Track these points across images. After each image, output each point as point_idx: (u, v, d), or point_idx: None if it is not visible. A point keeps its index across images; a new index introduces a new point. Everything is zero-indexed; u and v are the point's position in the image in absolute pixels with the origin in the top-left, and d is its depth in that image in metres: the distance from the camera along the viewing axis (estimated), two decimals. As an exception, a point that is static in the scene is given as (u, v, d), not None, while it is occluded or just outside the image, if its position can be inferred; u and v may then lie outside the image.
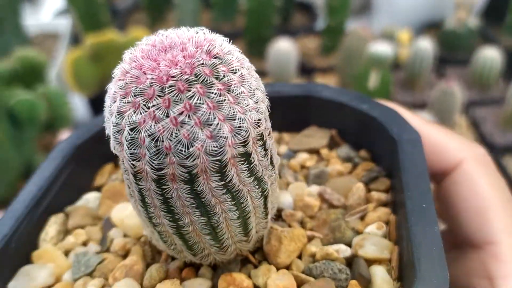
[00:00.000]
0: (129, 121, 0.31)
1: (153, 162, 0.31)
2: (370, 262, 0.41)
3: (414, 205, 0.39)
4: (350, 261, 0.42)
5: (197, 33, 0.34)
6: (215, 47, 0.33)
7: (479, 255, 0.44)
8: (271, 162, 0.38)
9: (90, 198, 0.51)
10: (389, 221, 0.44)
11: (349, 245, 0.42)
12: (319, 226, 0.45)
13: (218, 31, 0.35)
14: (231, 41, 0.35)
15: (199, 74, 0.31)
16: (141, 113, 0.31)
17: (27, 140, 1.16)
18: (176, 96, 0.31)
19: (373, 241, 0.42)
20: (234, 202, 0.35)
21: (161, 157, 0.31)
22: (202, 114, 0.31)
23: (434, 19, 1.89)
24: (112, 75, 0.33)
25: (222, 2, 1.75)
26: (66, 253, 0.46)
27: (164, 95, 0.31)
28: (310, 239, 0.44)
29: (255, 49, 1.62)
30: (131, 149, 0.31)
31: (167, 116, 0.30)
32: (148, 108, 0.31)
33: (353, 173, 0.50)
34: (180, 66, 0.31)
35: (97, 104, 1.51)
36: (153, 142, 0.31)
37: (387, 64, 1.36)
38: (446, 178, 0.49)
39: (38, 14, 2.17)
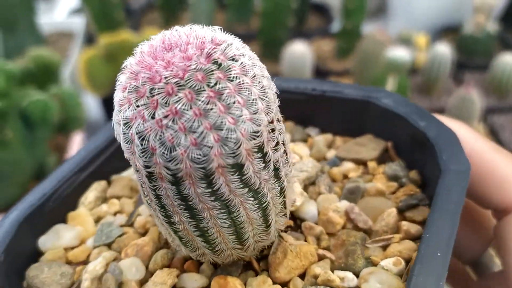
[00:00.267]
0: (123, 116, 0.31)
1: (143, 159, 0.31)
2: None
3: (427, 251, 0.34)
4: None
5: (207, 33, 0.33)
6: (217, 51, 0.31)
7: None
8: (276, 175, 0.35)
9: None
10: (412, 258, 0.39)
11: (357, 275, 0.39)
12: (336, 247, 0.42)
13: (232, 32, 0.34)
14: (245, 43, 0.34)
15: (190, 79, 0.30)
16: (132, 110, 0.31)
17: (40, 141, 1.15)
18: (163, 99, 0.30)
19: (381, 277, 0.38)
20: (224, 211, 0.34)
21: (148, 155, 0.31)
22: (186, 120, 0.30)
23: (452, 23, 1.86)
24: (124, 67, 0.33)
25: (237, 2, 1.70)
26: (98, 219, 0.48)
27: (153, 96, 0.30)
28: (320, 258, 0.41)
29: (270, 51, 1.58)
30: (125, 143, 0.32)
31: (153, 118, 0.30)
32: (138, 106, 0.31)
33: (393, 195, 0.46)
34: (173, 68, 0.30)
35: (110, 104, 1.49)
36: (140, 140, 0.31)
37: (404, 69, 1.34)
38: (506, 216, 0.43)
39: (52, 13, 2.18)
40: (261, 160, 0.33)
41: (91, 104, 1.72)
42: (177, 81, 0.30)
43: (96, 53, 1.48)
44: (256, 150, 0.32)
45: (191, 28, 0.33)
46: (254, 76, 0.32)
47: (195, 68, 0.30)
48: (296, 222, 0.45)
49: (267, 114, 0.33)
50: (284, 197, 0.38)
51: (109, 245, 0.45)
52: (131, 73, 0.31)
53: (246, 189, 0.33)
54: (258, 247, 0.39)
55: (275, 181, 0.35)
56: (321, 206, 0.45)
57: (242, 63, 0.32)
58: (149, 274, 0.41)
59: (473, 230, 0.50)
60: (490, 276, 0.50)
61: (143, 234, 0.45)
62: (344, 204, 0.44)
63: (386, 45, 1.43)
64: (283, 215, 0.39)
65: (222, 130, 0.30)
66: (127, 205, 0.49)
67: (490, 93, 1.53)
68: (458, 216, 0.36)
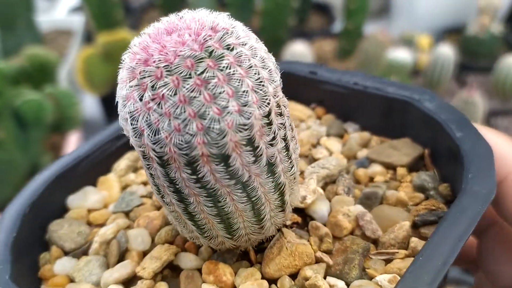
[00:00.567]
0: (121, 94, 0.32)
1: (134, 139, 0.32)
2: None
3: (412, 275, 0.31)
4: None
5: (210, 18, 0.33)
6: (213, 38, 0.31)
7: None
8: (271, 170, 0.34)
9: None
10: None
11: (349, 285, 0.37)
12: (338, 252, 0.40)
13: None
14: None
15: (179, 65, 0.30)
16: (127, 90, 0.32)
17: (33, 141, 1.13)
18: (152, 82, 0.30)
19: (368, 293, 0.35)
20: (210, 199, 0.34)
21: (138, 135, 0.32)
22: (170, 106, 0.30)
23: (456, 24, 1.82)
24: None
25: (238, 2, 1.63)
26: (125, 187, 0.50)
27: (144, 78, 0.31)
28: (318, 261, 0.39)
29: (270, 51, 1.56)
30: (121, 120, 0.33)
31: (141, 100, 0.31)
32: (131, 87, 0.31)
33: (415, 207, 0.42)
34: (166, 53, 0.31)
35: (109, 103, 1.44)
36: (131, 119, 0.31)
37: (406, 71, 1.34)
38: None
39: (54, 11, 2.12)
40: (251, 154, 0.32)
41: (90, 103, 1.69)
42: (167, 65, 0.30)
43: (94, 52, 1.46)
44: (244, 143, 0.32)
45: (197, 13, 0.33)
46: (250, 67, 0.31)
47: (186, 55, 0.30)
48: (306, 219, 0.43)
49: (260, 107, 0.32)
50: (282, 193, 0.37)
51: (127, 213, 0.47)
52: (132, 53, 0.32)
53: (233, 181, 0.33)
54: (253, 239, 0.38)
55: (268, 176, 0.34)
56: (333, 207, 0.43)
57: (238, 52, 0.31)
58: (154, 246, 0.43)
59: None
60: None
61: (159, 208, 0.47)
62: (357, 209, 0.42)
63: (387, 46, 1.43)
64: (280, 211, 0.38)
65: (205, 119, 0.30)
66: (154, 177, 0.51)
67: (494, 96, 1.52)
68: (461, 244, 0.32)
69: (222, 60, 0.30)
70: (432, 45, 1.67)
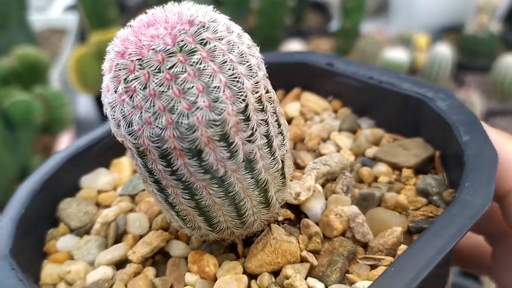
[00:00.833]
0: (104, 84, 0.33)
1: (114, 128, 0.33)
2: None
3: (381, 284, 0.30)
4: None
5: (188, 12, 0.32)
6: (187, 32, 0.31)
7: None
8: (250, 166, 0.34)
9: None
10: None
11: (328, 288, 0.36)
12: (325, 252, 0.39)
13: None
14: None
15: (151, 59, 0.31)
16: (106, 81, 0.32)
17: (22, 142, 1.11)
18: (125, 75, 0.31)
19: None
20: (187, 191, 0.34)
21: (116, 125, 0.32)
22: (141, 99, 0.30)
23: (454, 23, 1.81)
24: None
25: (234, 0, 1.58)
26: (136, 171, 0.51)
27: (119, 70, 0.31)
28: (302, 260, 0.39)
29: (266, 50, 1.51)
30: (106, 110, 0.33)
31: (116, 92, 0.31)
32: (109, 78, 0.32)
33: (413, 213, 0.40)
34: (141, 46, 0.31)
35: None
36: (111, 109, 0.32)
37: (402, 70, 1.31)
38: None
39: (50, 9, 2.07)
40: (225, 149, 0.32)
41: (84, 103, 1.67)
42: (139, 59, 0.30)
43: (87, 51, 1.43)
44: (217, 138, 0.31)
45: (180, 6, 0.33)
46: (225, 62, 0.31)
47: (158, 48, 0.30)
48: (300, 216, 0.42)
49: (234, 103, 0.31)
50: (265, 190, 0.36)
51: (133, 197, 0.48)
52: (114, 45, 0.33)
53: (209, 175, 0.33)
54: (237, 233, 0.38)
55: (247, 172, 0.34)
56: (328, 206, 0.42)
57: (211, 48, 0.31)
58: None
59: None
60: None
61: (162, 193, 0.48)
62: (351, 210, 0.41)
63: (384, 45, 1.40)
64: (264, 208, 0.37)
65: (174, 113, 0.30)
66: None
67: (492, 96, 1.51)
68: (439, 257, 0.30)
69: (193, 55, 0.30)
70: (430, 44, 1.67)
